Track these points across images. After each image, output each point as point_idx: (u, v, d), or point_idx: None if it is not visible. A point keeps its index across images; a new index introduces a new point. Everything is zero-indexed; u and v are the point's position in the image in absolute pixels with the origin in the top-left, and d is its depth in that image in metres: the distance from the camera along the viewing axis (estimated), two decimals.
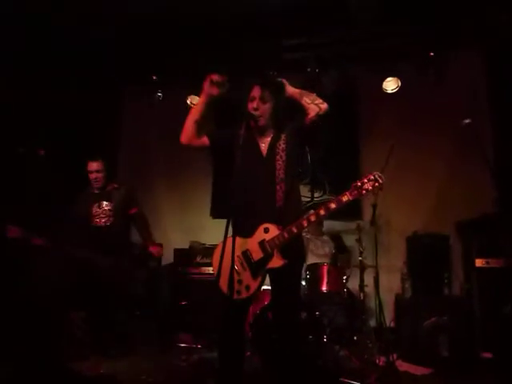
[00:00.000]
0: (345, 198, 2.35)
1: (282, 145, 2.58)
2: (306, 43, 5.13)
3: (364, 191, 2.31)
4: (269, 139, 2.64)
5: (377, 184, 2.32)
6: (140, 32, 5.02)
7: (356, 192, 2.33)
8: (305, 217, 2.40)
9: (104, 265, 3.96)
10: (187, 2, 4.67)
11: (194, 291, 4.89)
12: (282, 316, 2.51)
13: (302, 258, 2.66)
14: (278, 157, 2.56)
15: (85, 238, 4.05)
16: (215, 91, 2.55)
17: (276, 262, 2.40)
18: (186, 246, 5.40)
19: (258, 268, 2.44)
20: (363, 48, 5.08)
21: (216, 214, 5.82)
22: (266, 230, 2.44)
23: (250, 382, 2.97)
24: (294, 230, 2.38)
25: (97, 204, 4.20)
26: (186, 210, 5.96)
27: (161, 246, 4.42)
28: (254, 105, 2.57)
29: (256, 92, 2.59)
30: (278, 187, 2.50)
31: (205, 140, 2.65)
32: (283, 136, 2.61)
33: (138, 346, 4.32)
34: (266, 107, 2.58)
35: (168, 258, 5.35)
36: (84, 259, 3.91)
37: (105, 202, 4.21)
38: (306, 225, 2.39)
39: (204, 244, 5.33)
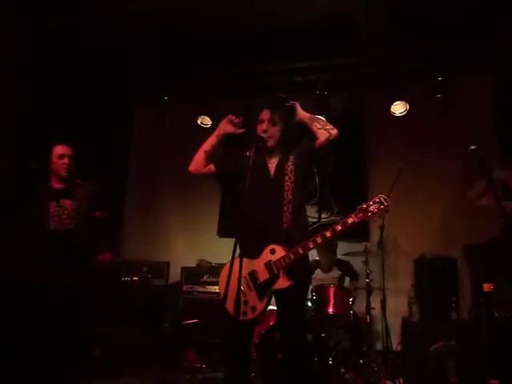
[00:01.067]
0: (350, 220, 2.37)
1: (290, 166, 2.62)
2: (315, 66, 5.22)
3: (369, 213, 2.33)
4: (276, 160, 2.68)
5: (382, 207, 2.34)
6: (152, 52, 5.15)
7: (361, 214, 2.34)
8: (311, 238, 2.41)
9: (71, 285, 3.16)
10: (199, 23, 4.80)
11: (201, 310, 4.89)
12: (288, 337, 2.51)
13: (308, 279, 2.67)
14: (286, 177, 2.59)
15: (41, 247, 3.24)
16: (231, 130, 2.69)
17: (282, 283, 2.41)
18: (194, 265, 5.42)
19: (264, 289, 2.45)
20: (372, 72, 5.17)
21: (223, 232, 5.84)
22: (273, 251, 2.46)
23: None
24: (300, 251, 2.40)
25: (56, 201, 3.35)
26: (194, 229, 5.98)
27: (111, 252, 3.58)
28: (264, 127, 2.63)
29: (265, 115, 2.66)
30: (285, 208, 2.53)
31: (211, 167, 2.73)
32: (291, 157, 2.66)
33: (142, 363, 4.32)
34: (275, 129, 2.65)
35: (175, 275, 5.38)
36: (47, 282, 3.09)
37: (67, 200, 3.38)
38: (311, 246, 2.41)
39: (211, 263, 5.35)
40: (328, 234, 2.40)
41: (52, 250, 3.21)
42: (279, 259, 2.43)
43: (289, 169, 2.61)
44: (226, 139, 2.73)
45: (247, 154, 2.63)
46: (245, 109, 5.23)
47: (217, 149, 2.72)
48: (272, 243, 2.47)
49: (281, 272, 2.42)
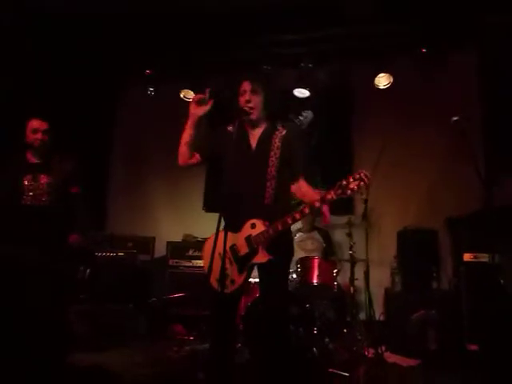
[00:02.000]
0: (329, 196, 2.28)
1: (277, 142, 2.58)
2: (300, 39, 5.15)
3: (349, 191, 2.22)
4: (259, 132, 2.64)
5: (362, 183, 2.21)
6: (135, 26, 5.02)
7: (340, 191, 2.24)
8: (290, 215, 2.38)
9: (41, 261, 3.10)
10: None
11: (187, 284, 4.93)
12: (269, 311, 2.52)
13: (290, 254, 2.66)
14: (271, 153, 2.56)
15: (11, 222, 3.15)
16: (201, 111, 2.59)
17: (261, 257, 2.42)
18: (179, 239, 5.44)
19: (243, 263, 2.47)
20: (357, 44, 5.12)
21: (208, 207, 5.84)
22: (253, 226, 2.45)
23: (240, 373, 3.01)
24: (279, 227, 2.39)
25: (31, 176, 3.26)
26: (180, 203, 5.98)
27: (79, 235, 3.39)
28: (246, 97, 2.57)
29: (246, 86, 2.60)
30: (268, 184, 2.51)
31: (197, 156, 2.70)
32: (279, 133, 2.61)
33: (129, 337, 4.36)
34: (258, 100, 2.59)
35: (161, 250, 5.39)
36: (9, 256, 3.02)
37: (43, 175, 3.30)
38: (290, 222, 2.38)
39: (197, 237, 5.37)
40: (306, 210, 2.36)
41: (26, 225, 3.14)
42: (258, 234, 2.43)
43: (275, 145, 2.57)
44: (206, 118, 2.67)
45: (229, 128, 2.61)
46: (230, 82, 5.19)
47: (197, 135, 2.65)
48: (253, 218, 2.47)
49: (260, 247, 2.42)
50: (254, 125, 2.65)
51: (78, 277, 3.40)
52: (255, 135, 2.65)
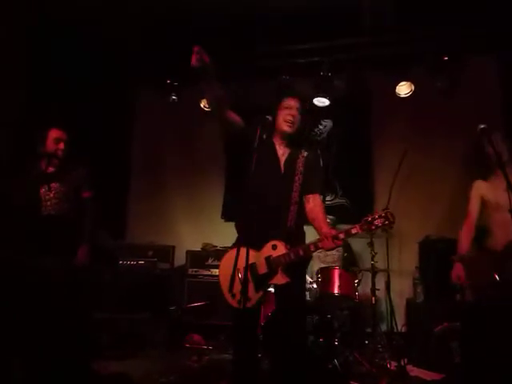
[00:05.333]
0: (354, 231, 2.34)
1: (300, 167, 2.63)
2: (319, 47, 5.15)
3: (374, 227, 2.31)
4: (287, 153, 2.68)
5: (387, 222, 2.30)
6: (155, 35, 5.09)
7: (366, 227, 2.32)
8: (313, 242, 2.41)
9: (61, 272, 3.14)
10: (202, 6, 4.73)
11: (206, 293, 4.92)
12: (285, 331, 2.52)
13: (303, 277, 2.72)
14: (296, 178, 2.61)
15: (32, 233, 3.19)
16: (206, 66, 2.48)
17: (279, 279, 2.45)
18: (199, 248, 5.45)
19: (261, 282, 2.48)
20: (377, 52, 5.09)
21: (227, 216, 5.85)
22: (274, 247, 2.47)
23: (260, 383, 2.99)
24: (301, 253, 2.41)
25: (47, 185, 3.31)
26: (199, 212, 5.99)
27: (87, 249, 3.38)
28: (292, 112, 2.63)
29: (295, 102, 2.66)
30: (291, 208, 2.56)
31: (237, 118, 2.61)
32: (301, 156, 2.66)
33: (148, 346, 4.38)
34: (299, 119, 2.66)
35: (180, 259, 5.41)
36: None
37: (57, 184, 3.34)
38: (312, 249, 2.41)
39: (216, 246, 5.37)
40: (328, 242, 2.36)
41: (46, 235, 3.19)
42: (279, 256, 2.44)
43: (299, 169, 2.63)
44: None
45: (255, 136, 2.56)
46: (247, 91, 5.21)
47: (217, 89, 2.53)
48: (275, 239, 2.49)
49: (279, 269, 2.44)
50: (285, 141, 2.68)
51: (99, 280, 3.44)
52: (284, 154, 2.68)
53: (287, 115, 2.63)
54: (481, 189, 3.40)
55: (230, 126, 2.61)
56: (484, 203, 3.45)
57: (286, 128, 2.63)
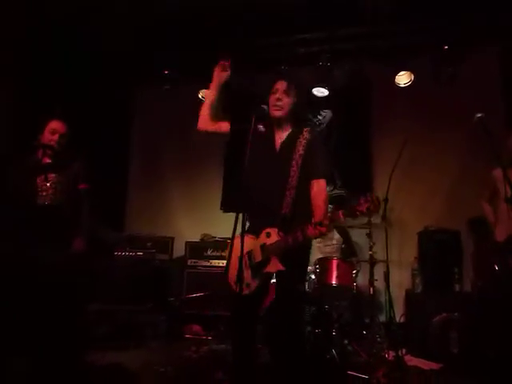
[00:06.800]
0: (336, 217, 2.25)
1: (300, 150, 2.53)
2: (318, 37, 5.11)
3: (358, 213, 2.20)
4: (285, 134, 2.62)
5: (372, 206, 2.18)
6: (152, 27, 5.05)
7: (349, 212, 2.22)
8: (300, 230, 2.31)
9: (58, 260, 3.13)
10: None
11: (205, 284, 4.94)
12: (279, 324, 2.49)
13: (304, 265, 2.64)
14: (293, 162, 2.52)
15: (27, 223, 3.15)
16: (224, 76, 2.67)
17: (272, 267, 2.42)
18: (197, 239, 5.45)
19: (257, 269, 2.47)
20: (377, 42, 5.05)
21: (226, 207, 5.85)
22: (268, 235, 2.44)
23: (259, 374, 3.00)
24: (290, 241, 2.34)
25: (43, 176, 3.30)
26: (198, 203, 6.00)
27: (83, 240, 3.39)
28: (277, 95, 2.57)
29: (281, 85, 2.60)
30: (287, 193, 2.48)
31: (221, 125, 2.68)
32: (303, 140, 2.56)
33: (147, 337, 4.39)
34: (289, 101, 2.59)
35: (179, 250, 5.41)
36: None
37: (53, 175, 3.34)
38: (300, 237, 2.31)
39: (215, 237, 5.38)
40: (311, 228, 2.28)
41: (42, 225, 3.17)
42: (272, 244, 2.40)
43: (298, 153, 2.53)
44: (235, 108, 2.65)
45: (259, 127, 2.59)
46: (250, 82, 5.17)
47: (219, 100, 2.68)
48: (269, 226, 2.44)
49: (272, 256, 2.41)
50: (280, 125, 2.63)
51: None
52: (281, 137, 2.63)
53: (274, 100, 2.58)
54: (495, 177, 3.47)
55: (216, 133, 2.71)
56: (496, 192, 3.47)
57: (274, 113, 2.57)
